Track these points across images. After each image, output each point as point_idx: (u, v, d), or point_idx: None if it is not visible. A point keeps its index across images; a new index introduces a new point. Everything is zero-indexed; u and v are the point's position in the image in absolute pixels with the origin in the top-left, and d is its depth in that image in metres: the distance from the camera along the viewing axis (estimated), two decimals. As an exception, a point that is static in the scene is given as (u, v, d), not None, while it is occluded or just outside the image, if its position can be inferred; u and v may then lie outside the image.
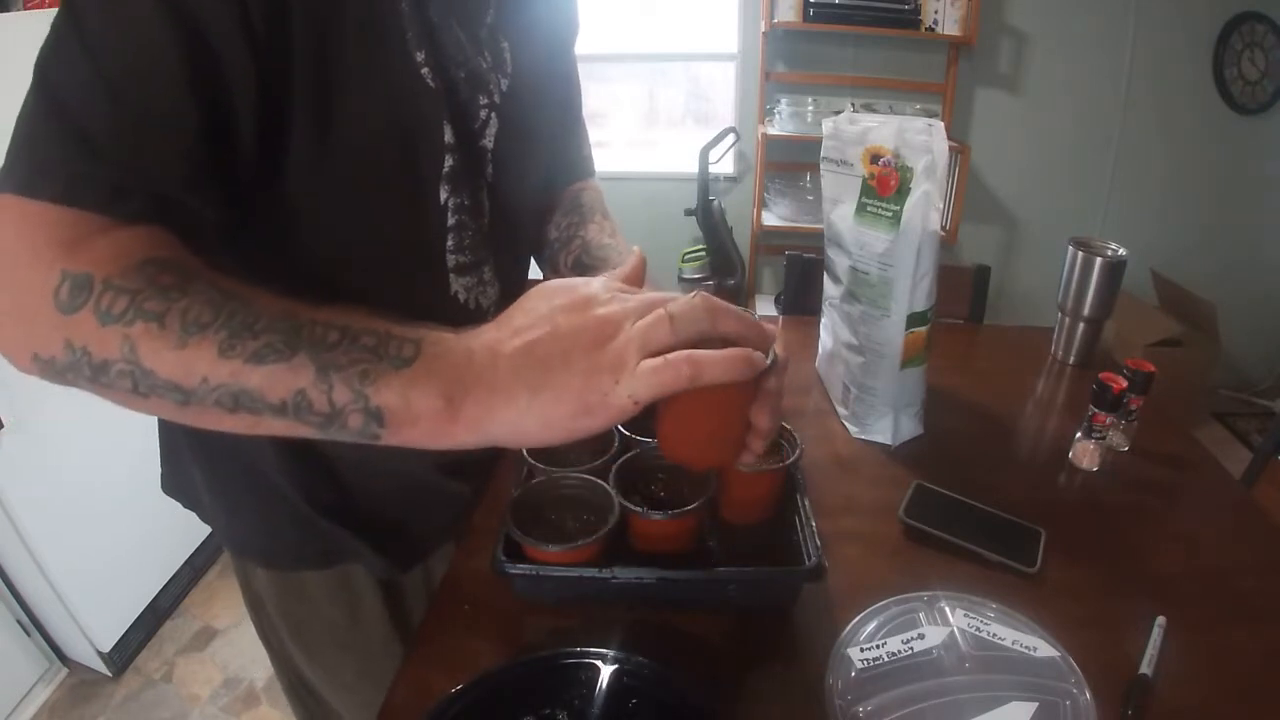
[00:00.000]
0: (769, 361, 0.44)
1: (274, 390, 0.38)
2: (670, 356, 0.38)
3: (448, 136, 0.55)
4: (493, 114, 0.58)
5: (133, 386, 0.39)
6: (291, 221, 0.52)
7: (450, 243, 0.59)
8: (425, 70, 0.51)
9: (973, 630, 0.58)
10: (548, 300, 0.42)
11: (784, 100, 2.58)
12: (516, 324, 0.41)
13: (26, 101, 0.40)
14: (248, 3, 0.41)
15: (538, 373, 0.39)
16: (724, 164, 2.65)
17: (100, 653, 1.65)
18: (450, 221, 0.58)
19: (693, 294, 0.41)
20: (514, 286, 0.70)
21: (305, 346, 0.38)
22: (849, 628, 0.59)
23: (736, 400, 0.43)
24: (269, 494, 0.65)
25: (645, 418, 0.70)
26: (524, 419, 0.39)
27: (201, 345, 0.38)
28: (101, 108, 0.40)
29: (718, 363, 0.38)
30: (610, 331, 0.39)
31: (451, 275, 0.61)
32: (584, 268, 0.69)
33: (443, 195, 0.57)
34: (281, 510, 0.66)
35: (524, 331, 0.40)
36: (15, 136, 0.40)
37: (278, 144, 0.47)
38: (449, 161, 0.56)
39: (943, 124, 0.76)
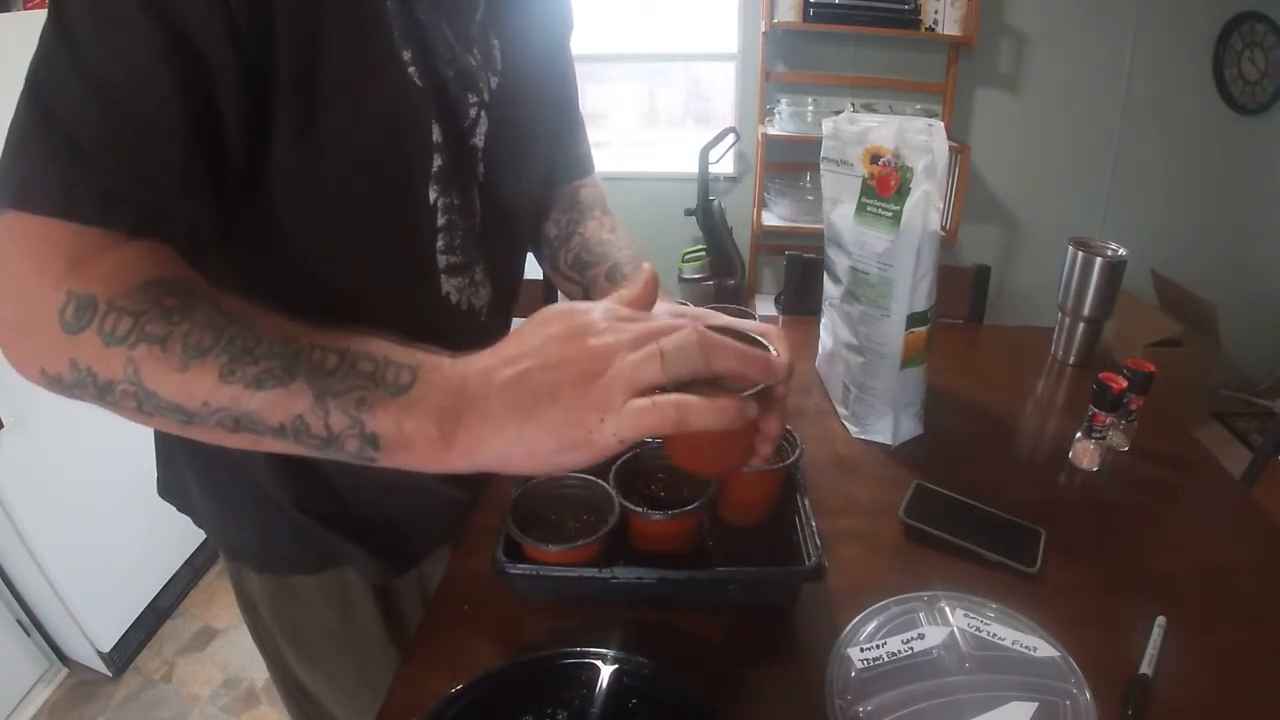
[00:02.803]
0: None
1: (273, 414, 0.39)
2: (658, 400, 0.37)
3: (436, 135, 0.55)
4: (482, 112, 0.58)
5: (137, 406, 0.39)
6: (281, 224, 0.52)
7: (440, 243, 0.59)
8: (412, 69, 0.51)
9: (973, 630, 0.58)
10: (544, 328, 0.41)
11: (784, 100, 2.58)
12: (510, 352, 0.40)
13: (18, 113, 0.40)
14: (232, 6, 0.41)
15: (526, 405, 0.38)
16: (724, 164, 2.65)
17: (100, 653, 1.65)
18: (440, 221, 0.58)
19: (690, 328, 0.39)
20: (507, 287, 0.70)
21: (304, 372, 0.39)
22: (849, 628, 0.59)
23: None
24: (261, 499, 0.65)
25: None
26: (511, 449, 0.39)
27: (202, 369, 0.38)
28: (92, 117, 0.40)
29: (705, 411, 0.38)
30: (600, 366, 0.39)
31: (443, 276, 0.60)
32: (583, 264, 0.69)
33: (432, 195, 0.57)
34: (274, 515, 0.66)
35: (516, 361, 0.40)
36: (8, 148, 0.40)
37: (266, 147, 0.47)
38: (438, 161, 0.55)
39: (943, 124, 0.76)
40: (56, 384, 0.40)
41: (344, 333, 0.41)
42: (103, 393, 0.39)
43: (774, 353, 0.44)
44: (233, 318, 0.40)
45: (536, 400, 0.38)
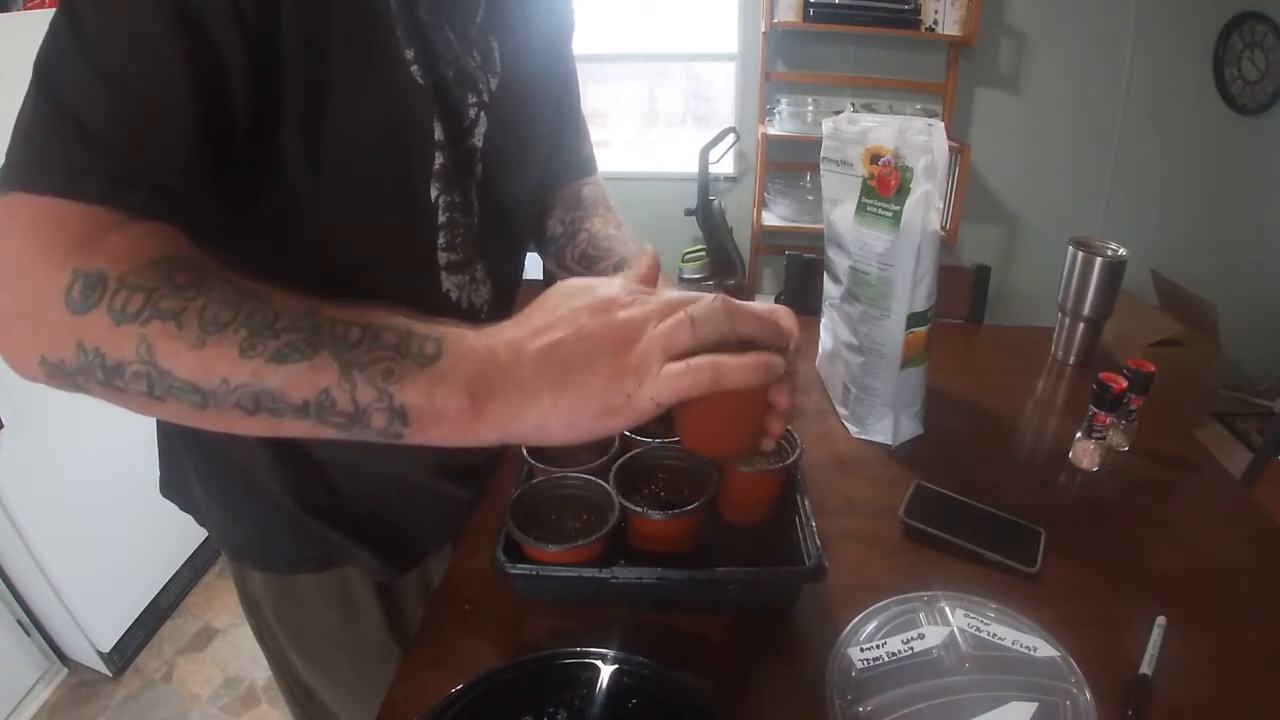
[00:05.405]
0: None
1: (297, 390, 0.38)
2: (693, 362, 0.39)
3: (438, 134, 0.55)
4: (482, 113, 0.59)
5: (148, 389, 0.38)
6: (286, 218, 0.52)
7: (442, 240, 0.59)
8: (415, 68, 0.52)
9: (973, 630, 0.58)
10: (569, 300, 0.42)
11: (784, 100, 2.58)
12: (538, 323, 0.41)
13: (25, 99, 0.40)
14: None
15: (561, 373, 0.39)
16: (724, 164, 2.65)
17: (100, 653, 1.65)
18: (441, 219, 0.58)
19: (713, 296, 0.42)
20: (507, 286, 0.70)
21: (327, 345, 0.38)
22: (849, 628, 0.59)
23: (752, 391, 0.43)
24: (263, 498, 0.65)
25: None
26: (548, 418, 0.39)
27: (221, 344, 0.37)
28: (99, 99, 0.40)
29: (738, 368, 0.40)
30: (633, 335, 0.40)
31: (443, 273, 0.61)
32: (590, 260, 0.69)
33: (433, 193, 0.57)
34: (276, 514, 0.66)
35: (546, 331, 0.40)
36: (15, 133, 0.40)
37: (269, 141, 0.47)
38: (439, 159, 0.56)
39: (943, 124, 0.76)
40: (58, 371, 0.38)
41: (361, 307, 0.40)
42: (111, 376, 0.38)
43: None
44: (248, 293, 0.39)
45: (571, 369, 0.39)
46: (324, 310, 0.39)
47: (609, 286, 0.43)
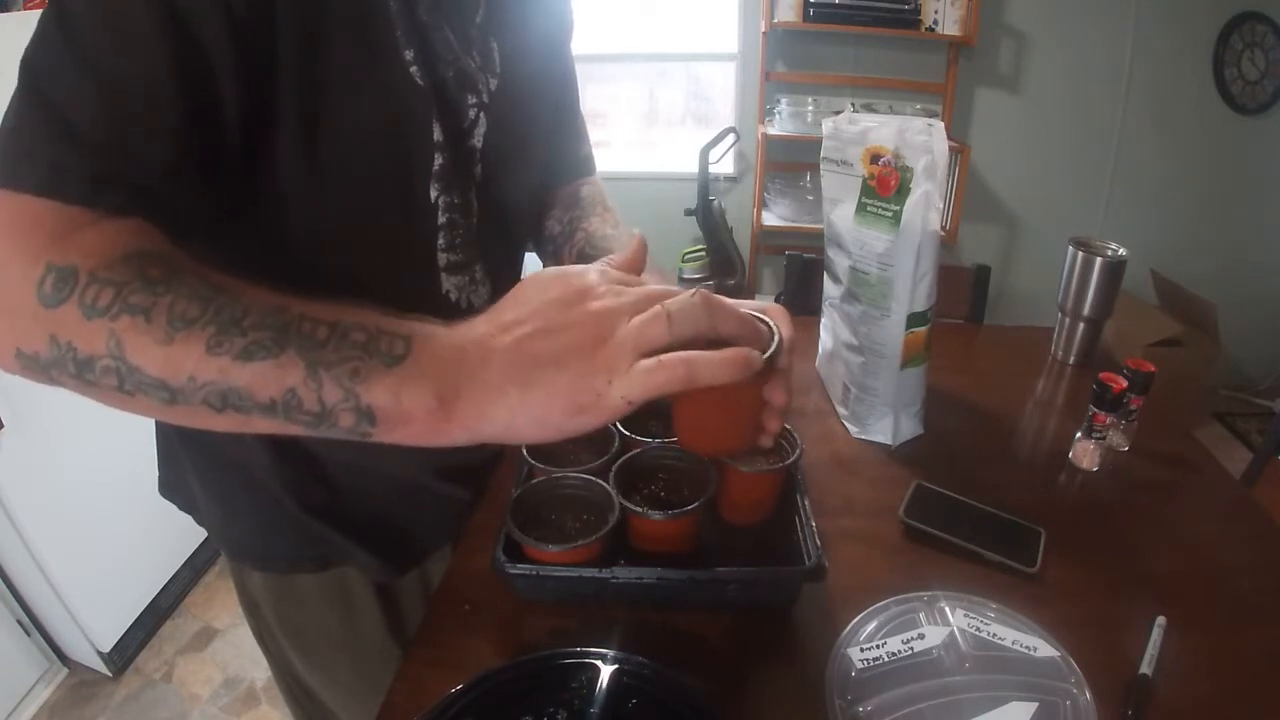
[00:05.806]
0: (774, 347, 0.43)
1: (263, 389, 0.37)
2: (665, 358, 0.37)
3: (437, 135, 0.55)
4: (481, 113, 0.59)
5: (118, 384, 0.38)
6: (284, 219, 0.52)
7: (441, 241, 0.59)
8: (414, 69, 0.52)
9: (973, 630, 0.58)
10: (541, 292, 0.41)
11: (784, 100, 2.58)
12: (507, 318, 0.40)
13: (13, 97, 0.40)
14: None
15: (528, 371, 0.38)
16: (724, 164, 2.66)
17: (100, 653, 1.65)
18: (441, 220, 0.58)
19: (691, 291, 0.40)
20: (506, 286, 0.70)
21: (294, 343, 0.37)
22: (849, 628, 0.59)
23: (747, 388, 0.42)
24: (263, 497, 0.65)
25: (646, 418, 0.70)
26: (515, 418, 0.38)
27: (188, 341, 0.37)
28: (85, 98, 0.40)
29: (713, 364, 0.38)
30: (605, 330, 0.38)
31: (443, 274, 0.61)
32: (588, 259, 0.69)
33: (433, 194, 0.57)
34: (275, 514, 0.66)
35: (515, 327, 0.39)
36: (1, 130, 0.40)
37: (267, 140, 0.47)
38: (438, 160, 0.56)
39: (943, 124, 0.76)
40: (33, 365, 0.39)
41: (333, 303, 0.40)
42: (83, 370, 0.38)
43: (776, 330, 0.45)
44: (219, 289, 0.38)
45: (539, 366, 0.38)
46: (294, 307, 0.39)
47: (583, 276, 0.41)
